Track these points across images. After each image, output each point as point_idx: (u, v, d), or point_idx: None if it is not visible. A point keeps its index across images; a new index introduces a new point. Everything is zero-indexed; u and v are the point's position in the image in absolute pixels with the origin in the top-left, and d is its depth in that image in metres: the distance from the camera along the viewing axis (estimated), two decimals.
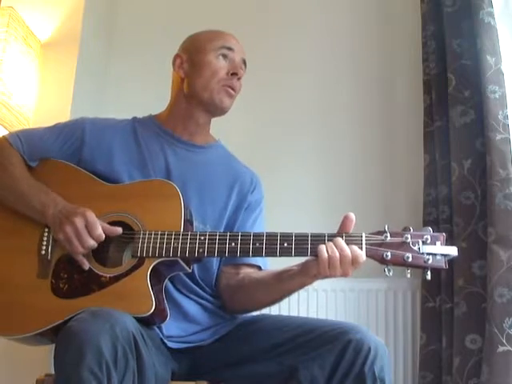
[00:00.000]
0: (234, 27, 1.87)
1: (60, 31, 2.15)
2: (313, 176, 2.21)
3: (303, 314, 1.97)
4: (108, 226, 1.31)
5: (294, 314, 1.97)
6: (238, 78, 1.51)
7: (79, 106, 2.11)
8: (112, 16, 2.45)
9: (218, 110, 1.53)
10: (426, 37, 2.08)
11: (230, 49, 1.52)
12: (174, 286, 1.39)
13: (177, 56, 1.57)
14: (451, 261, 1.82)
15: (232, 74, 1.50)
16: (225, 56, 1.51)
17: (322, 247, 1.22)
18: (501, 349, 1.63)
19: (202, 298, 1.44)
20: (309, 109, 2.27)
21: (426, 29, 2.08)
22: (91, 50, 2.24)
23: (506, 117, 1.79)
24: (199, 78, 1.50)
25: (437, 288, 1.90)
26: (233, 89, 1.50)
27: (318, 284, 1.98)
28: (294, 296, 1.98)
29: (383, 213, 2.11)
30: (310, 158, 2.23)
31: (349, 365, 1.21)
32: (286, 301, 1.94)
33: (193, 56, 1.54)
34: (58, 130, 1.49)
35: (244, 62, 1.56)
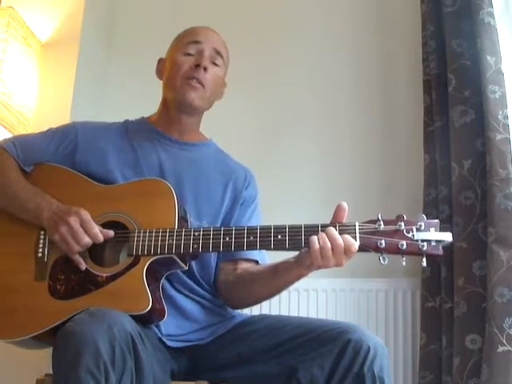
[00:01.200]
0: (235, 28, 1.88)
1: (60, 31, 2.15)
2: (313, 176, 2.21)
3: (303, 314, 1.97)
4: (100, 228, 1.31)
5: (294, 314, 1.97)
6: (204, 69, 1.47)
7: (79, 105, 2.11)
8: (112, 16, 2.45)
9: (187, 107, 1.49)
10: (425, 37, 2.08)
11: (196, 42, 1.50)
12: (172, 285, 1.39)
13: (158, 61, 1.59)
14: (451, 261, 1.85)
15: (196, 66, 1.47)
16: (193, 50, 1.49)
17: (314, 238, 1.21)
18: (501, 349, 1.62)
19: (201, 296, 1.44)
20: (309, 109, 2.27)
21: (425, 29, 2.08)
22: (91, 50, 2.24)
23: (506, 117, 1.78)
24: (168, 79, 1.50)
25: (437, 288, 1.90)
26: (198, 81, 1.46)
27: (318, 284, 2.01)
28: (294, 296, 2.01)
29: (383, 213, 2.10)
30: (310, 158, 2.23)
31: (348, 365, 1.20)
32: (285, 301, 1.99)
33: (167, 58, 1.55)
34: (51, 134, 1.50)
35: (217, 52, 1.51)
